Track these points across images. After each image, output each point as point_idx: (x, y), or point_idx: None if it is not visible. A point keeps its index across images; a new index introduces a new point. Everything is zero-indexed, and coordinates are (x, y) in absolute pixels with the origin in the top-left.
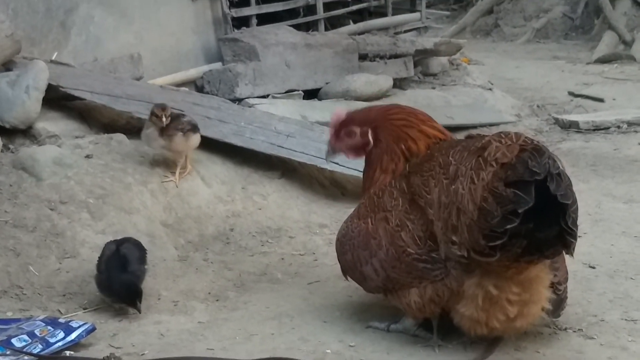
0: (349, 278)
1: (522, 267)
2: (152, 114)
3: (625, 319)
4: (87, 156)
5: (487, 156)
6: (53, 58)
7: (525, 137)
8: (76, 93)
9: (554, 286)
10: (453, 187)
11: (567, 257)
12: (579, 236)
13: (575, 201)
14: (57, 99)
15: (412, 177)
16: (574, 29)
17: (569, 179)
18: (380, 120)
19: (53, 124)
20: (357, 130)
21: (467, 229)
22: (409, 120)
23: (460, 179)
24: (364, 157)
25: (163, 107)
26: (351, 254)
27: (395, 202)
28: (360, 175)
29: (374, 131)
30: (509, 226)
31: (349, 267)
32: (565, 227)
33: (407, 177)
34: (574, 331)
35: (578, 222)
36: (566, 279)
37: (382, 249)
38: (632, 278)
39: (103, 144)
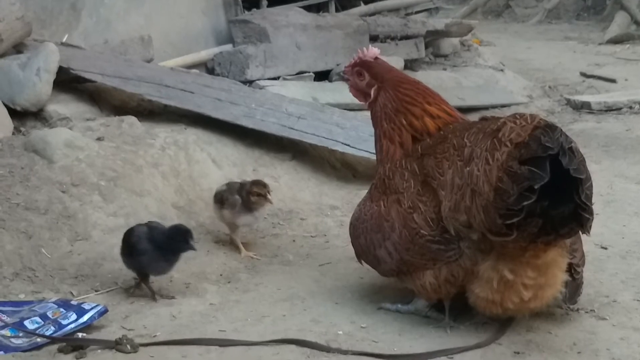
0: (363, 262)
1: (539, 249)
2: (251, 193)
3: (638, 300)
4: (99, 138)
5: (501, 137)
6: (64, 40)
7: (540, 118)
8: (87, 75)
9: (572, 267)
10: (468, 169)
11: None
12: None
13: (589, 177)
14: (67, 82)
15: (425, 158)
16: (585, 9)
17: (582, 155)
18: (389, 86)
19: (64, 107)
20: (367, 78)
21: (483, 210)
22: (413, 98)
23: (475, 161)
24: (363, 103)
25: (264, 184)
26: (364, 237)
27: (407, 184)
28: (372, 157)
29: (378, 90)
30: (525, 203)
31: (363, 251)
32: (579, 201)
33: (419, 159)
34: (586, 312)
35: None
36: (583, 262)
37: (395, 231)
38: None
39: (114, 127)
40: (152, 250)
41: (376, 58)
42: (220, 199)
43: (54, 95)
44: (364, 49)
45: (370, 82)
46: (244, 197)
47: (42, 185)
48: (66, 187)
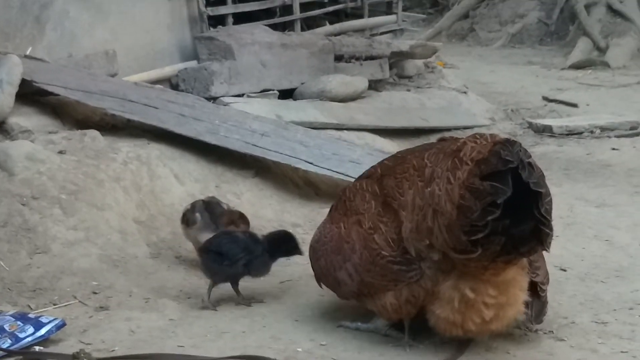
0: (323, 286)
1: (500, 268)
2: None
3: (596, 322)
4: (60, 152)
5: (462, 156)
6: (27, 53)
7: (500, 137)
8: (50, 88)
9: (537, 286)
10: (429, 189)
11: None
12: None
13: (548, 193)
14: (30, 94)
15: (385, 179)
16: (549, 34)
17: (541, 170)
18: None
19: (26, 119)
20: None
21: (446, 229)
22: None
23: (437, 181)
24: None
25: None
26: (324, 259)
27: (368, 205)
28: (335, 175)
29: None
30: (490, 218)
31: (323, 274)
32: (539, 216)
33: (379, 180)
34: (545, 333)
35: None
36: (548, 280)
37: (356, 252)
38: (602, 281)
39: (76, 140)
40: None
41: None
42: (187, 220)
43: (16, 108)
44: None
45: None
46: (214, 214)
47: (2, 198)
48: (26, 200)
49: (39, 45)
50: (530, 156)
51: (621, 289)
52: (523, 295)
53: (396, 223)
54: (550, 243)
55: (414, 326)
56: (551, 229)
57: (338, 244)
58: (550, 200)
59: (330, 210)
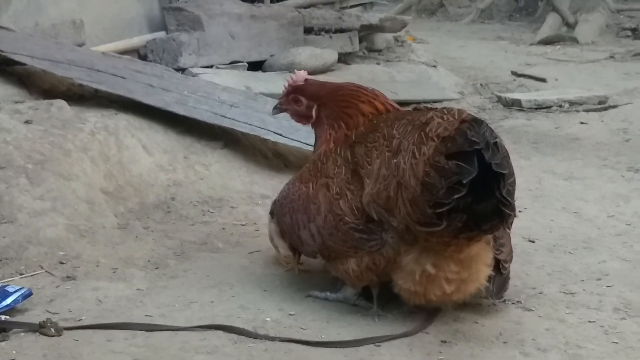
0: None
1: (462, 245)
2: None
3: (564, 292)
4: (27, 121)
5: (428, 132)
6: None
7: (467, 113)
8: (16, 57)
9: (499, 263)
10: (395, 160)
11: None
12: (520, 211)
13: (512, 173)
14: None
15: (357, 147)
16: (518, 10)
17: (506, 150)
18: (327, 99)
19: None
20: (304, 102)
21: (410, 203)
22: (349, 101)
23: (403, 154)
24: (306, 125)
25: None
26: (290, 216)
27: (338, 170)
28: (304, 147)
29: (319, 109)
30: (456, 196)
31: (287, 230)
32: (500, 197)
33: (352, 147)
34: (513, 303)
35: (518, 197)
36: (511, 258)
37: (321, 215)
38: (570, 252)
39: (43, 110)
40: None
41: (306, 80)
42: None
43: None
44: (292, 75)
45: (309, 104)
46: None
47: None
48: None
49: (5, 14)
50: (496, 137)
51: (589, 260)
52: (486, 270)
53: (362, 192)
54: (511, 223)
55: (383, 296)
56: (512, 210)
57: (305, 203)
58: (514, 181)
59: (301, 170)
